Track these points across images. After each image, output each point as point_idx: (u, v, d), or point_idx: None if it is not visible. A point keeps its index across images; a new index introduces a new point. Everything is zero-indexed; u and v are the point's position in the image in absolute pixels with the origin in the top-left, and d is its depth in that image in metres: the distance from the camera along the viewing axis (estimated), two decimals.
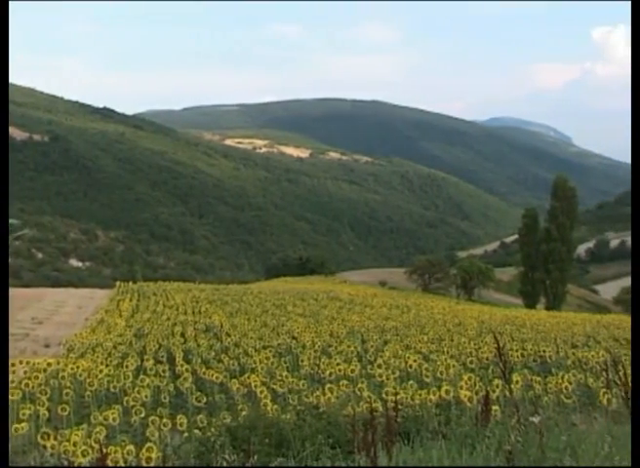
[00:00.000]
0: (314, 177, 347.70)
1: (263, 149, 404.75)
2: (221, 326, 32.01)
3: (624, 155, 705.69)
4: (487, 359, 16.05)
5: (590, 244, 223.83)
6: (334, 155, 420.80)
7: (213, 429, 9.96)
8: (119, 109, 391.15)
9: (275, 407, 11.42)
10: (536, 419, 6.69)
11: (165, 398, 15.90)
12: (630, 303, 7.81)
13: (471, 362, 15.45)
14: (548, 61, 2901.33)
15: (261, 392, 12.73)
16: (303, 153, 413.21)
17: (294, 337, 25.11)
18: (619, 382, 8.64)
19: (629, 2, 8.06)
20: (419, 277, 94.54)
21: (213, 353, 22.90)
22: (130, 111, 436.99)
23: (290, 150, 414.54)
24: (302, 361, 17.67)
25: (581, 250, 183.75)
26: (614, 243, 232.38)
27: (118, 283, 65.66)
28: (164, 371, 19.30)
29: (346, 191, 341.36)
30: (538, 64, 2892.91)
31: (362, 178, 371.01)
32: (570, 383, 10.39)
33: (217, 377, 17.43)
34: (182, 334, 29.61)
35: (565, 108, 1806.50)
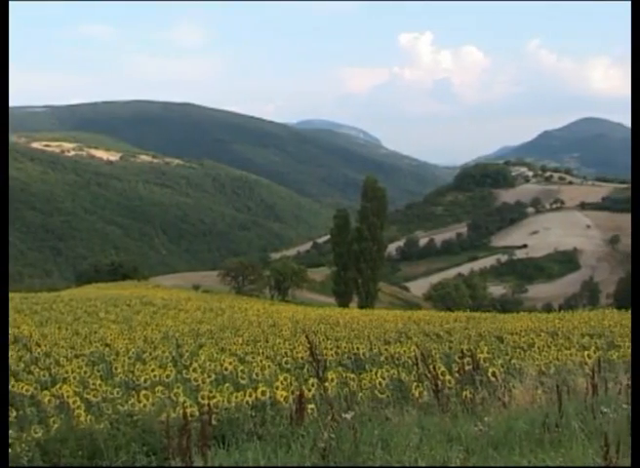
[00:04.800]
0: (125, 181, 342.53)
1: (72, 152, 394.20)
2: (31, 336, 30.96)
3: (431, 156, 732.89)
4: (302, 358, 16.18)
5: (400, 243, 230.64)
6: (145, 158, 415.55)
7: (23, 444, 9.60)
8: None
9: (89, 417, 11.14)
10: (349, 415, 6.80)
11: None
12: (631, 305, 7.91)
13: (287, 362, 15.53)
14: (357, 65, 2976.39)
15: (74, 402, 12.39)
16: (114, 156, 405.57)
17: (107, 345, 24.55)
18: (429, 375, 8.92)
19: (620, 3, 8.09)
20: (232, 279, 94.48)
21: (22, 364, 22.11)
22: None
23: (100, 153, 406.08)
24: (116, 368, 17.32)
25: (392, 248, 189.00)
26: (422, 241, 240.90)
27: None
28: None
29: (158, 194, 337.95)
30: (347, 68, 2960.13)
31: (174, 182, 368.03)
32: (383, 378, 10.58)
33: (26, 390, 16.81)
34: None
35: (374, 111, 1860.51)
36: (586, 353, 11.88)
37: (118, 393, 13.18)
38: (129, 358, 19.26)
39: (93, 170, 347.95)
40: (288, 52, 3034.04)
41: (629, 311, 35.27)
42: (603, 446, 5.01)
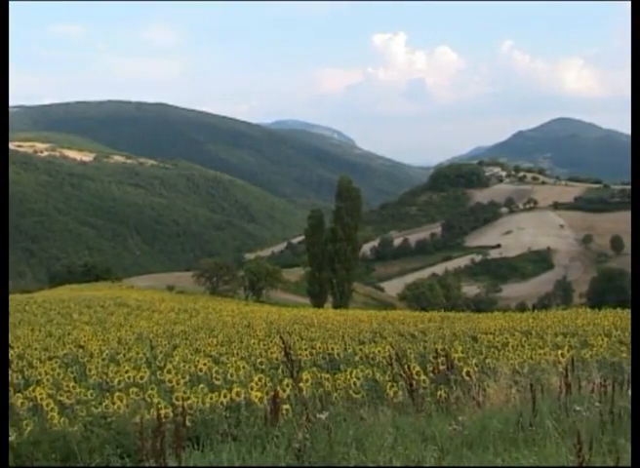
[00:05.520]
0: (98, 181, 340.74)
1: (45, 153, 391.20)
2: None
3: (405, 156, 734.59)
4: (277, 359, 16.17)
5: (375, 243, 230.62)
6: (118, 158, 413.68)
7: None
8: None
9: (63, 419, 11.06)
10: (323, 416, 6.80)
11: None
12: (631, 305, 7.89)
13: (261, 363, 15.51)
14: (331, 66, 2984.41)
15: (48, 405, 12.30)
16: (87, 157, 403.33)
17: (80, 346, 24.41)
18: (403, 375, 8.93)
19: (625, 3, 7.99)
20: (206, 280, 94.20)
21: None
22: None
23: (73, 154, 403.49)
24: (90, 370, 17.22)
25: (367, 248, 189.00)
26: (397, 241, 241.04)
27: None
28: None
29: (132, 195, 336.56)
30: (321, 68, 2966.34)
31: (147, 182, 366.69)
32: (358, 378, 10.59)
33: None
34: None
35: (348, 112, 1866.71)
36: (560, 352, 11.93)
37: (92, 395, 13.12)
38: (103, 359, 19.17)
39: (66, 170, 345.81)
40: (262, 52, 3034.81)
41: (602, 310, 35.63)
42: (576, 444, 5.04)
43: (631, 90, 7.69)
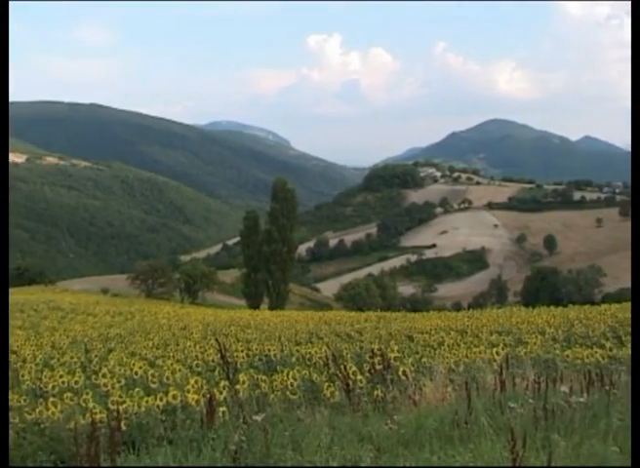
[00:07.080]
0: (31, 183, 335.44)
1: None
2: None
3: (339, 157, 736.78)
4: (213, 361, 16.08)
5: (311, 244, 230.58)
6: (51, 160, 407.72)
7: None
8: None
9: None
10: (260, 417, 6.78)
11: None
12: (631, 303, 7.86)
13: (198, 365, 15.43)
14: (265, 67, 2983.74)
15: None
16: (19, 158, 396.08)
17: (13, 352, 24.06)
18: (340, 375, 8.94)
19: (630, 3, 7.89)
20: (141, 283, 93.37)
21: None
22: None
23: None
24: (23, 375, 16.96)
25: (302, 249, 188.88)
26: (332, 242, 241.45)
27: None
28: None
29: (65, 197, 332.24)
30: (256, 69, 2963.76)
31: (81, 184, 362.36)
32: (295, 379, 10.57)
33: None
34: None
35: (283, 113, 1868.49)
36: (495, 350, 12.06)
37: (25, 401, 12.89)
38: (36, 365, 18.87)
39: None
40: (196, 52, 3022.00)
41: (536, 308, 36.12)
42: (510, 440, 5.10)
43: (631, 90, 7.73)
